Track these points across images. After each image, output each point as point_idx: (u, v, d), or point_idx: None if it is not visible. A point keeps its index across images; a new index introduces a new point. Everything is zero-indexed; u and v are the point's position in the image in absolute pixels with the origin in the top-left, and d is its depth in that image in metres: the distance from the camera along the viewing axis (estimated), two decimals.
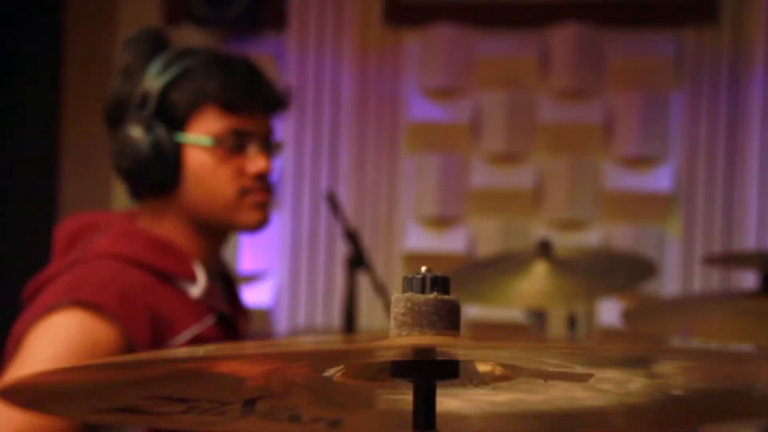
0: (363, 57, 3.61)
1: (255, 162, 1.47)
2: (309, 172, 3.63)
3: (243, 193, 1.48)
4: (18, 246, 3.86)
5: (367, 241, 3.53)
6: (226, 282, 1.61)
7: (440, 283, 0.79)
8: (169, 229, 1.49)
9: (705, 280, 3.34)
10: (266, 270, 3.63)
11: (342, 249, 3.47)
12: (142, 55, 1.49)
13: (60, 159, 3.88)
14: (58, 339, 1.32)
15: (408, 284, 0.79)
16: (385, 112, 3.59)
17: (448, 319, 0.79)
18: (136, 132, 1.43)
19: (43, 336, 1.33)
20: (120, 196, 3.78)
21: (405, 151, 3.57)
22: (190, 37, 3.64)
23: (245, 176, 1.47)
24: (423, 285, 0.78)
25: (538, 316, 2.33)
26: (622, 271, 2.59)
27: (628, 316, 2.04)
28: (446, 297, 0.79)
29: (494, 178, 3.45)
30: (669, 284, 3.37)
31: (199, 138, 1.45)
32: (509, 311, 3.34)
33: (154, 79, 1.45)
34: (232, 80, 1.46)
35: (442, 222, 3.49)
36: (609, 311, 3.26)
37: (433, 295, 0.78)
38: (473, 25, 3.49)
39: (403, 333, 0.78)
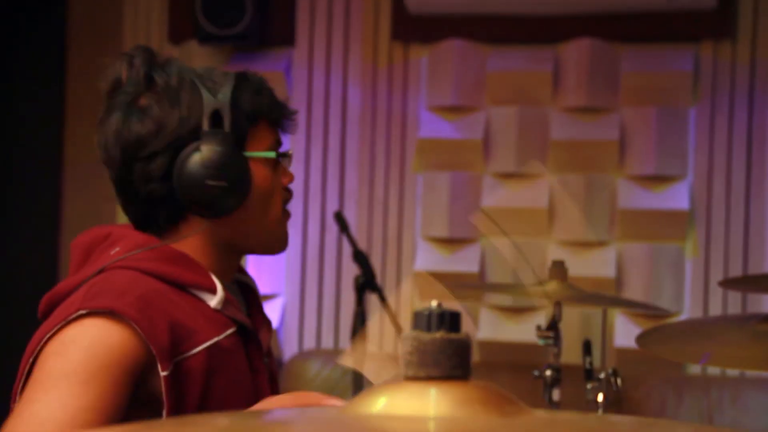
0: (371, 73, 3.55)
1: (286, 174, 1.52)
2: (317, 190, 3.57)
3: (284, 205, 1.52)
4: (22, 260, 3.82)
5: (377, 260, 3.47)
6: (246, 293, 1.58)
7: (448, 320, 0.73)
8: (185, 243, 1.46)
9: (723, 300, 3.26)
10: (273, 290, 3.57)
11: (350, 268, 3.40)
12: (166, 75, 1.46)
13: (64, 175, 3.84)
14: (70, 351, 1.29)
15: (417, 321, 0.74)
16: (394, 129, 3.53)
17: (456, 359, 0.72)
18: (222, 147, 1.41)
19: (57, 351, 1.30)
20: (122, 215, 3.74)
21: (414, 169, 3.51)
22: (195, 54, 3.60)
23: (283, 189, 1.52)
24: (429, 323, 0.72)
25: (553, 338, 2.26)
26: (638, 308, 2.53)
27: (643, 339, 1.96)
28: (454, 336, 0.72)
29: (506, 197, 3.38)
30: (686, 305, 3.29)
31: (265, 153, 1.47)
32: (521, 331, 3.27)
33: (215, 98, 1.42)
34: (272, 98, 1.51)
35: (453, 241, 3.42)
36: (625, 334, 3.18)
37: (439, 335, 0.72)
38: (484, 40, 3.43)
39: (410, 373, 0.73)
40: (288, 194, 1.53)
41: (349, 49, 3.58)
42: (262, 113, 1.47)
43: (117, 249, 1.43)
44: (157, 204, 1.44)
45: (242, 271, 1.60)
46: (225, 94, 1.43)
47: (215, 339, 1.39)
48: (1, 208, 3.83)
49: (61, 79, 3.84)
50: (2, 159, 3.84)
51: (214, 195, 1.41)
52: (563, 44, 3.37)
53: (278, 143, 1.50)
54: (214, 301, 1.42)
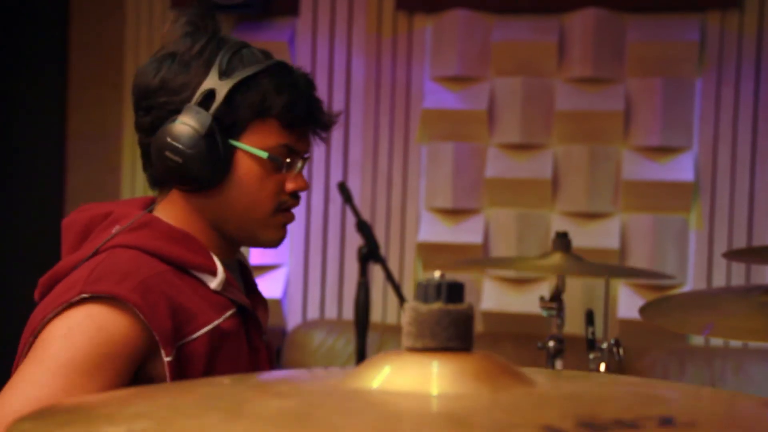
0: (376, 43, 3.53)
1: (296, 180, 1.47)
2: (320, 161, 3.57)
3: (277, 209, 1.47)
4: (26, 235, 3.83)
5: (380, 231, 3.47)
6: (242, 272, 1.58)
7: (447, 291, 0.73)
8: (187, 223, 1.46)
9: (727, 272, 3.26)
10: (277, 260, 3.57)
11: (354, 239, 3.40)
12: (197, 44, 1.43)
13: (67, 146, 3.83)
14: (75, 337, 1.28)
15: (417, 292, 0.74)
16: (398, 100, 3.51)
17: (453, 330, 0.72)
18: (193, 125, 1.39)
19: (60, 333, 1.29)
20: (127, 185, 3.74)
21: (419, 140, 3.50)
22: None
23: (283, 193, 1.47)
24: (427, 293, 0.72)
25: (556, 309, 2.26)
26: (641, 277, 2.52)
27: (646, 310, 1.96)
28: (452, 307, 0.72)
29: (510, 168, 3.37)
30: (690, 276, 3.29)
31: (255, 149, 1.43)
32: (525, 302, 3.27)
33: (220, 79, 1.41)
34: (297, 100, 1.45)
35: (456, 212, 3.41)
36: (628, 305, 3.18)
37: (437, 306, 0.72)
38: (488, 10, 3.40)
39: (408, 344, 0.73)
40: (291, 200, 1.48)
41: (353, 19, 3.56)
42: (270, 111, 1.42)
43: (117, 228, 1.42)
44: (145, 157, 1.46)
45: (238, 250, 1.59)
46: (235, 77, 1.40)
47: (216, 322, 1.39)
48: (5, 180, 3.83)
49: (64, 49, 3.82)
50: (6, 131, 3.83)
51: (171, 168, 1.41)
52: (568, 14, 3.35)
53: (288, 148, 1.44)
54: (214, 282, 1.41)
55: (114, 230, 1.42)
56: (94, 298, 1.30)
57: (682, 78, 3.28)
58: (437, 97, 3.43)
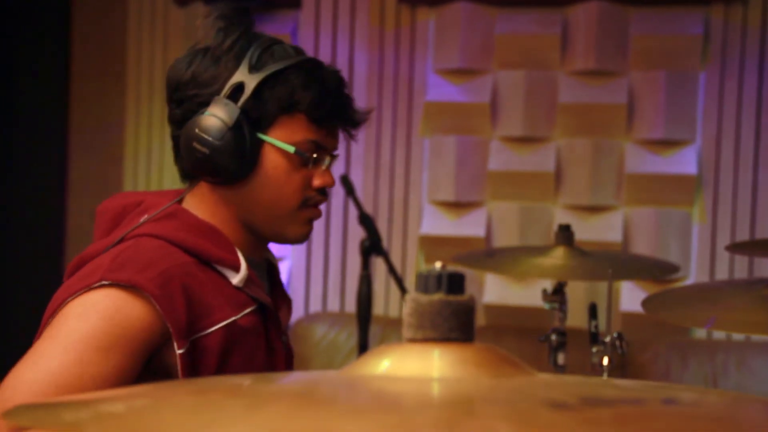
0: (378, 36, 3.53)
1: (323, 176, 1.48)
2: None
3: (303, 204, 1.48)
4: (28, 227, 3.83)
5: (383, 224, 3.47)
6: (270, 271, 1.59)
7: (448, 282, 0.72)
8: (215, 216, 1.47)
9: (730, 265, 3.26)
10: (280, 253, 3.57)
11: (357, 232, 3.40)
12: (229, 38, 1.44)
13: (70, 138, 3.83)
14: (91, 316, 1.31)
15: (418, 283, 0.74)
16: (401, 93, 3.51)
17: (454, 321, 0.72)
18: (221, 117, 1.41)
19: (77, 312, 1.32)
20: (129, 177, 3.74)
21: (421, 133, 3.49)
22: (200, 16, 3.57)
23: (310, 188, 1.48)
24: (428, 284, 0.72)
25: (559, 302, 2.26)
26: (644, 270, 2.52)
27: (649, 303, 1.96)
28: (453, 298, 0.72)
29: (513, 161, 3.36)
30: (693, 269, 3.28)
31: (282, 143, 1.44)
32: (527, 296, 3.27)
33: (249, 73, 1.42)
34: (327, 96, 1.46)
35: (459, 205, 3.41)
36: (631, 298, 3.18)
37: (437, 297, 0.71)
38: (491, 2, 3.40)
39: (409, 335, 0.73)
40: (318, 196, 1.49)
41: (355, 12, 3.55)
42: (298, 105, 1.43)
43: (146, 217, 1.45)
44: (176, 149, 1.48)
45: (267, 249, 1.60)
46: (265, 71, 1.41)
47: (233, 318, 1.39)
48: (7, 172, 3.83)
49: (66, 41, 3.82)
50: (8, 123, 3.83)
51: (198, 159, 1.42)
52: (572, 7, 3.34)
53: (315, 144, 1.45)
54: (236, 278, 1.42)
55: (142, 219, 1.44)
56: (114, 285, 1.32)
57: (686, 71, 3.27)
58: (440, 90, 3.43)
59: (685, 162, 3.26)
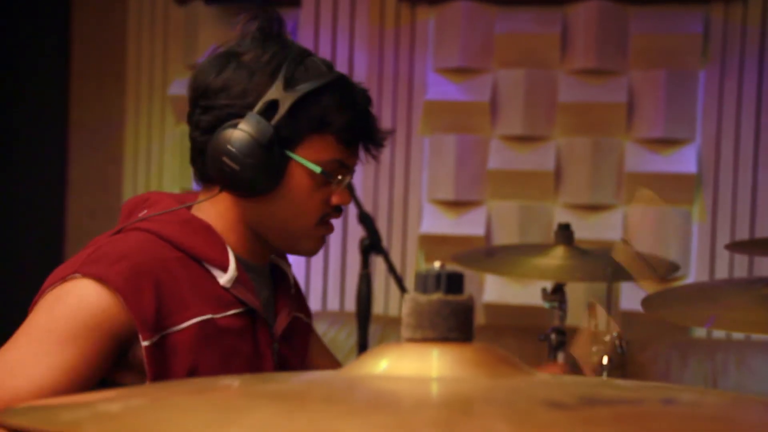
0: (378, 35, 3.52)
1: (342, 194, 1.49)
2: None
3: (321, 221, 1.49)
4: (28, 226, 3.83)
5: (383, 223, 3.47)
6: (277, 277, 1.58)
7: (446, 282, 0.72)
8: (223, 219, 1.47)
9: (730, 264, 3.26)
10: None
11: (356, 231, 3.40)
12: (264, 52, 1.44)
13: (70, 137, 3.83)
14: (56, 308, 1.34)
15: (417, 282, 0.74)
16: (401, 91, 3.51)
17: (453, 321, 0.72)
18: (254, 135, 1.40)
19: (46, 304, 1.35)
20: (129, 176, 3.74)
21: (421, 132, 3.49)
22: (201, 15, 3.57)
23: (328, 205, 1.49)
24: (426, 284, 0.72)
25: (559, 301, 2.26)
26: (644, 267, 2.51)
27: (648, 302, 1.95)
28: (451, 298, 0.72)
29: (513, 160, 3.36)
30: (693, 268, 3.28)
31: (310, 162, 1.44)
32: (527, 295, 3.27)
33: (284, 90, 1.42)
34: (357, 118, 1.47)
35: (459, 204, 3.41)
36: (630, 297, 3.18)
37: (436, 296, 0.71)
38: (491, 1, 3.39)
39: (408, 335, 0.73)
40: (335, 213, 1.50)
41: (355, 10, 3.55)
42: (330, 127, 1.44)
43: (145, 212, 1.46)
44: (196, 153, 1.47)
45: (282, 256, 1.61)
46: (299, 91, 1.41)
47: (209, 315, 1.39)
48: (7, 172, 3.83)
49: (66, 40, 3.82)
50: (8, 122, 3.83)
51: (225, 173, 1.42)
52: (572, 6, 3.34)
53: (340, 163, 1.46)
54: (223, 278, 1.43)
55: (141, 214, 1.46)
56: (84, 276, 1.34)
57: (686, 70, 3.27)
58: (440, 88, 3.43)
59: (684, 161, 3.26)
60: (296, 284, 1.65)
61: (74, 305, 1.33)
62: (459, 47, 3.39)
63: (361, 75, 3.53)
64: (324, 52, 3.55)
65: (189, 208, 1.50)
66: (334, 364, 1.84)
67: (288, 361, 1.54)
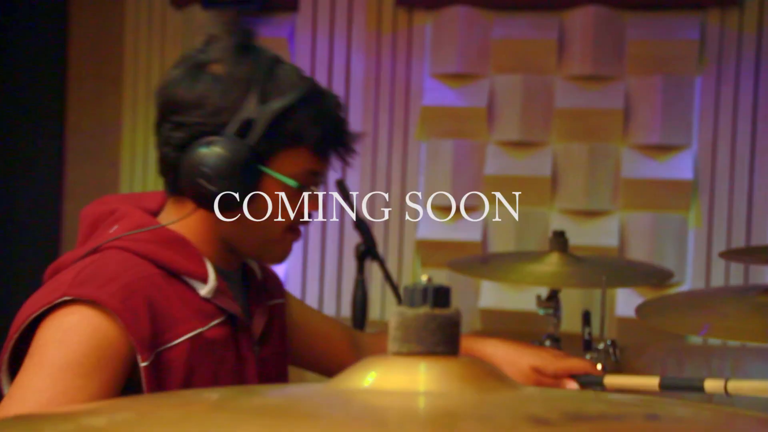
0: (375, 40, 3.53)
1: (313, 201, 1.49)
2: None
3: (290, 228, 1.48)
4: (25, 227, 3.83)
5: (379, 228, 3.47)
6: (246, 276, 1.57)
7: (433, 296, 0.73)
8: (190, 229, 1.46)
9: (725, 271, 3.26)
10: None
11: (352, 237, 3.40)
12: (233, 62, 1.42)
13: (66, 141, 3.83)
14: (71, 339, 1.30)
15: (405, 296, 0.75)
16: (398, 97, 3.51)
17: (440, 335, 0.72)
18: (230, 156, 1.39)
19: (56, 337, 1.30)
20: (126, 180, 3.74)
21: (418, 137, 3.49)
22: (198, 19, 3.57)
23: (300, 213, 1.48)
24: (413, 298, 0.72)
25: (553, 308, 2.26)
26: (639, 276, 2.52)
27: (643, 310, 1.95)
28: (438, 312, 0.72)
29: (509, 165, 3.36)
30: (688, 275, 3.28)
31: (284, 177, 1.44)
32: (523, 301, 3.27)
33: (257, 106, 1.40)
34: (330, 129, 1.46)
35: (455, 209, 3.41)
36: (626, 304, 3.18)
37: (423, 310, 0.71)
38: (488, 6, 3.40)
39: (395, 349, 0.74)
40: (303, 220, 1.49)
41: (352, 16, 3.55)
42: (306, 141, 1.43)
43: (116, 227, 1.43)
44: (167, 167, 1.45)
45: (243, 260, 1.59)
46: (273, 107, 1.40)
47: (199, 330, 1.39)
48: (4, 176, 3.83)
49: (62, 44, 3.82)
50: (4, 126, 3.83)
51: (200, 192, 1.40)
52: (568, 11, 3.34)
53: (313, 173, 1.46)
54: (204, 290, 1.42)
55: (112, 229, 1.43)
56: (79, 302, 1.31)
57: (682, 76, 3.27)
58: (437, 94, 3.43)
59: (681, 167, 3.26)
60: (262, 269, 1.62)
61: (88, 332, 1.30)
62: (456, 53, 3.39)
63: (358, 80, 3.53)
64: (321, 57, 3.55)
65: (158, 217, 1.48)
66: (325, 320, 1.83)
67: (269, 361, 1.54)
